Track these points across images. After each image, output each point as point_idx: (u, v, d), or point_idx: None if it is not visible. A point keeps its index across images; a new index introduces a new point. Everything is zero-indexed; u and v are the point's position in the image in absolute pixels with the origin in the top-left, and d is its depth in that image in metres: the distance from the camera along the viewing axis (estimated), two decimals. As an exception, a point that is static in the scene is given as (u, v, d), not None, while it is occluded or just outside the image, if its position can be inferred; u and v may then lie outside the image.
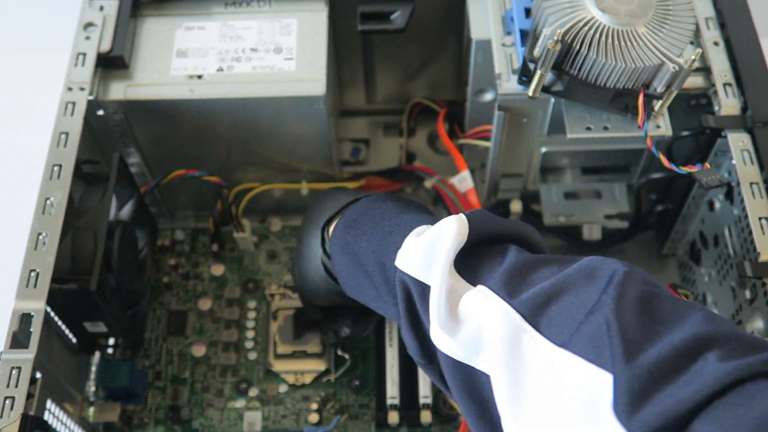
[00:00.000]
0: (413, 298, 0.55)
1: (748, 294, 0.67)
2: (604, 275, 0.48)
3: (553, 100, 0.70)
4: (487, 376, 0.50)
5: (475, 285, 0.53)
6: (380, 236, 0.60)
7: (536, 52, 0.64)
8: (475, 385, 0.51)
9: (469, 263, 0.55)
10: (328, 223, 0.67)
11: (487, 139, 0.80)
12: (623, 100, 0.66)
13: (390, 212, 0.62)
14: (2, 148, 1.06)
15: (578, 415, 0.44)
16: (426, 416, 0.78)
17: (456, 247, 0.54)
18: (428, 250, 0.54)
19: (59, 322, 0.67)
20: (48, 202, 0.65)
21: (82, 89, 0.72)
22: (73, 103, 0.71)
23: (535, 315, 0.49)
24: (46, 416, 0.63)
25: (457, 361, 0.52)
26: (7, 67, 1.13)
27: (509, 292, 0.51)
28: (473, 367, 0.51)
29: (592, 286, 0.48)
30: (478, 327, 0.50)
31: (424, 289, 0.54)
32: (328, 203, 0.69)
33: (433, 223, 0.57)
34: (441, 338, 0.52)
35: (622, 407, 0.41)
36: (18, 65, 1.13)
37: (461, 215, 0.55)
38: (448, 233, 0.54)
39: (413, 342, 0.56)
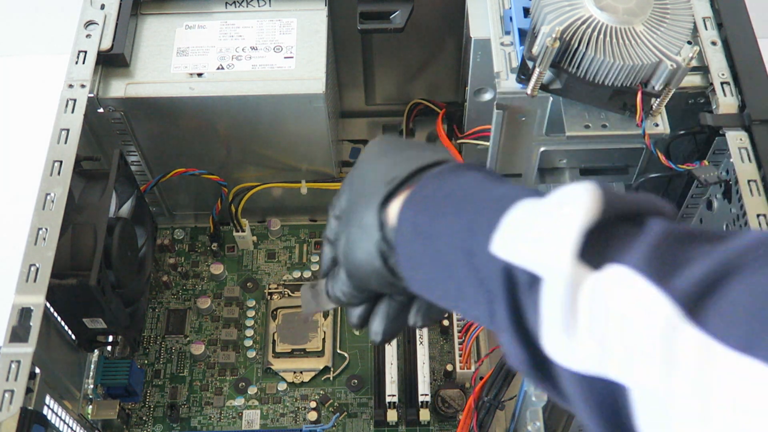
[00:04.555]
0: (518, 293, 0.42)
1: (745, 292, 0.67)
2: None
3: (551, 98, 0.71)
4: (629, 389, 0.38)
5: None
6: (466, 217, 0.45)
7: (535, 50, 0.64)
8: (612, 402, 0.39)
9: (596, 247, 0.40)
10: (386, 200, 0.51)
11: (485, 139, 0.81)
12: (621, 98, 0.66)
13: (477, 186, 0.48)
14: (3, 144, 1.06)
15: None
16: (425, 414, 0.78)
17: (586, 226, 0.39)
18: (540, 231, 0.41)
19: (59, 319, 0.67)
20: (48, 197, 0.65)
21: (82, 86, 0.72)
22: (74, 100, 0.71)
23: (697, 308, 0.35)
24: (45, 412, 0.63)
25: (584, 375, 0.39)
26: (7, 67, 1.14)
27: (657, 273, 0.37)
28: (608, 380, 0.38)
29: None
30: (615, 323, 0.37)
31: (534, 280, 0.40)
32: (383, 169, 0.54)
33: (537, 196, 0.44)
34: (559, 347, 0.39)
35: None
36: (18, 65, 1.13)
37: (593, 186, 0.41)
38: (578, 207, 0.40)
39: (519, 350, 0.42)
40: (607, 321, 0.38)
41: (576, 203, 0.40)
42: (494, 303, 0.43)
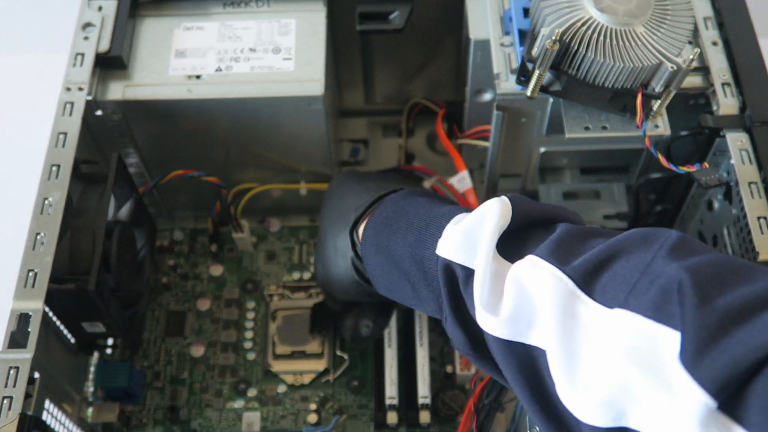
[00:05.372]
0: (458, 284, 0.53)
1: (746, 294, 0.67)
2: (658, 239, 0.47)
3: (551, 99, 0.70)
4: (541, 351, 0.48)
5: None
6: (416, 231, 0.58)
7: (534, 51, 0.64)
8: (529, 362, 0.49)
9: (514, 246, 0.52)
10: (355, 224, 0.65)
11: (485, 139, 0.80)
12: (622, 100, 0.66)
13: (423, 206, 0.60)
14: (1, 148, 1.06)
15: (640, 369, 0.42)
16: (425, 416, 0.78)
17: (500, 228, 0.52)
18: (471, 233, 0.52)
19: (57, 323, 0.67)
20: (46, 202, 0.65)
21: (80, 89, 0.72)
22: (72, 103, 0.71)
23: (587, 282, 0.47)
24: (45, 416, 0.63)
25: (508, 341, 0.50)
26: (7, 67, 1.13)
27: (559, 259, 0.48)
28: (525, 344, 0.49)
29: (645, 250, 0.46)
30: (527, 298, 0.49)
31: (469, 273, 0.52)
32: (349, 200, 0.67)
33: (470, 213, 0.55)
34: (487, 320, 0.50)
35: (689, 355, 0.40)
36: (18, 65, 1.13)
37: (503, 197, 0.54)
38: (492, 214, 0.52)
39: (460, 333, 0.54)
40: (523, 296, 0.49)
41: (490, 212, 0.52)
42: (440, 297, 0.55)
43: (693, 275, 0.42)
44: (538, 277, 0.48)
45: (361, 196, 0.67)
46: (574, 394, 0.46)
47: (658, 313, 0.43)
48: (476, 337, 0.54)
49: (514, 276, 0.50)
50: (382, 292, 0.63)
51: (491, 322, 0.50)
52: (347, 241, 0.66)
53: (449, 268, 0.53)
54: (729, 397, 0.38)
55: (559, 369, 0.47)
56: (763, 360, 0.38)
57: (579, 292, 0.47)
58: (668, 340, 0.41)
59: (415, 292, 0.59)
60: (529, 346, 0.49)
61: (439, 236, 0.55)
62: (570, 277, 0.47)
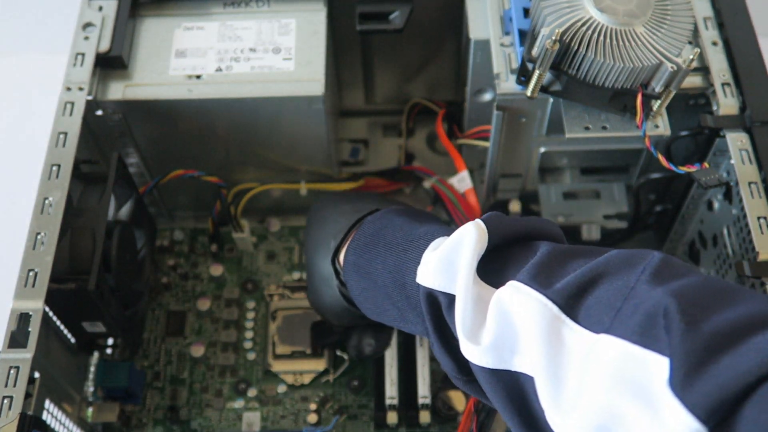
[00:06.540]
0: (441, 311, 0.53)
1: (746, 294, 0.67)
2: (641, 262, 0.47)
3: (551, 99, 0.70)
4: (528, 377, 0.48)
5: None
6: (396, 255, 0.58)
7: (534, 51, 0.64)
8: (516, 389, 0.50)
9: (494, 268, 0.52)
10: (336, 252, 0.65)
11: (486, 139, 0.80)
12: (622, 100, 0.66)
13: (402, 229, 0.59)
14: (1, 147, 1.06)
15: (628, 395, 0.42)
16: (425, 416, 0.78)
17: (477, 253, 0.51)
18: (449, 259, 0.52)
19: (58, 322, 0.67)
20: (46, 201, 0.65)
21: (80, 89, 0.72)
22: (72, 103, 0.71)
23: (571, 305, 0.47)
24: (45, 416, 0.63)
25: (493, 370, 0.50)
26: (7, 67, 1.13)
27: (541, 283, 0.48)
28: (511, 371, 0.49)
29: (628, 273, 0.46)
30: (510, 324, 0.48)
31: (451, 300, 0.52)
32: (328, 227, 0.67)
33: (448, 233, 0.55)
34: (471, 349, 0.50)
35: (678, 381, 0.40)
36: (18, 65, 1.13)
37: (478, 220, 0.53)
38: (468, 240, 0.52)
39: (446, 358, 0.54)
40: (505, 323, 0.49)
41: (466, 238, 0.52)
42: (425, 322, 0.54)
43: (678, 300, 0.42)
44: (521, 302, 0.48)
45: (339, 221, 0.67)
46: (562, 421, 0.46)
47: (644, 338, 0.43)
48: (463, 362, 0.53)
49: (497, 302, 0.49)
50: (369, 316, 0.63)
51: (474, 352, 0.50)
52: (330, 270, 0.66)
53: (431, 295, 0.53)
54: (719, 423, 0.38)
55: (547, 395, 0.47)
56: (751, 385, 0.38)
57: (563, 316, 0.47)
58: (656, 365, 0.41)
59: (402, 315, 0.59)
60: (516, 372, 0.49)
61: (419, 262, 0.55)
62: (553, 301, 0.47)
